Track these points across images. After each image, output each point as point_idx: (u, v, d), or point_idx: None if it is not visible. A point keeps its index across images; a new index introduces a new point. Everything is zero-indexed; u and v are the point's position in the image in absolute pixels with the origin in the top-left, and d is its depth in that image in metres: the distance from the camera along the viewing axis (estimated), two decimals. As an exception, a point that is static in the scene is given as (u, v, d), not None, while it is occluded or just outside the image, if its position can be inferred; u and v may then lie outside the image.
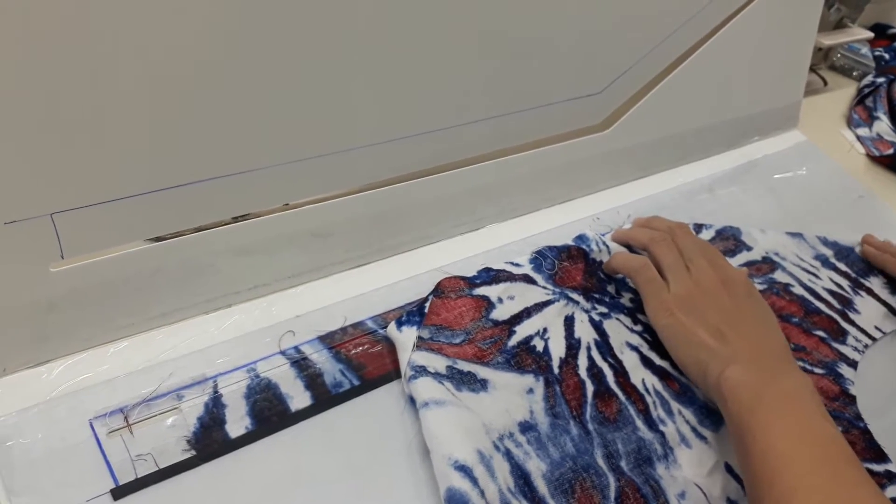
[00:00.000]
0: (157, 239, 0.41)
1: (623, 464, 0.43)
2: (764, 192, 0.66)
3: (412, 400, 0.42)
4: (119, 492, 0.35)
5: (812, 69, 0.83)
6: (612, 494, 0.42)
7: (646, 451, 0.44)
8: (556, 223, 0.57)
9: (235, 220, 0.44)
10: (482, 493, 0.38)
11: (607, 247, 0.55)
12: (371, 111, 0.46)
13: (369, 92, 0.45)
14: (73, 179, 0.36)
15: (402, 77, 0.46)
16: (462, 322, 0.47)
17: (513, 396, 0.44)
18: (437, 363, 0.44)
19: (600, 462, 0.43)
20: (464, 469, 0.39)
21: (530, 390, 0.45)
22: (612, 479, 0.42)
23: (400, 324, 0.46)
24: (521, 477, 0.41)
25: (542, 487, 0.41)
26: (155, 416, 0.38)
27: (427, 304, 0.47)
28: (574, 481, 0.41)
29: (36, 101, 0.34)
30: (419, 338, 0.45)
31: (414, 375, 0.43)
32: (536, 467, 0.41)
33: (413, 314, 0.46)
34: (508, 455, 0.41)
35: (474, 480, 0.38)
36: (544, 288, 0.51)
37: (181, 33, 0.36)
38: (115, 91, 0.36)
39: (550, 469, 0.41)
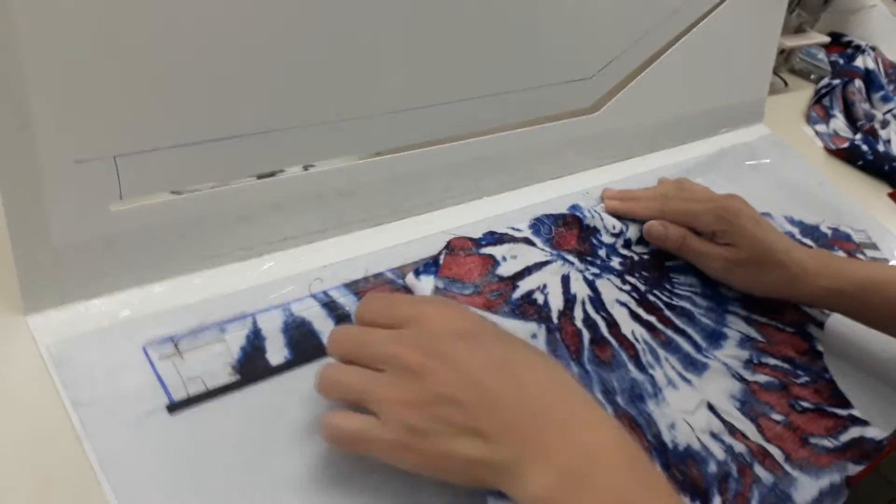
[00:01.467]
0: (202, 188, 0.45)
1: (619, 398, 0.48)
2: (736, 176, 0.72)
3: None
4: (174, 407, 0.39)
5: (774, 72, 0.90)
6: None
7: (638, 390, 0.49)
8: (550, 195, 0.62)
9: (271, 174, 0.47)
10: None
11: (600, 216, 0.60)
12: (391, 82, 0.50)
13: (391, 66, 0.49)
14: (137, 126, 0.40)
15: (419, 54, 0.51)
16: (471, 276, 0.52)
17: None
18: None
19: (599, 396, 0.47)
20: None
21: (534, 335, 0.50)
22: (610, 411, 0.47)
23: (417, 273, 0.50)
24: None
25: None
26: (202, 345, 0.42)
27: (441, 258, 0.51)
28: None
29: (111, 52, 0.38)
30: (435, 287, 0.50)
31: None
32: None
33: (429, 265, 0.51)
34: None
35: None
36: (543, 250, 0.56)
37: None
38: (181, 48, 0.40)
39: None
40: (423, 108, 0.53)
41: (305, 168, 0.49)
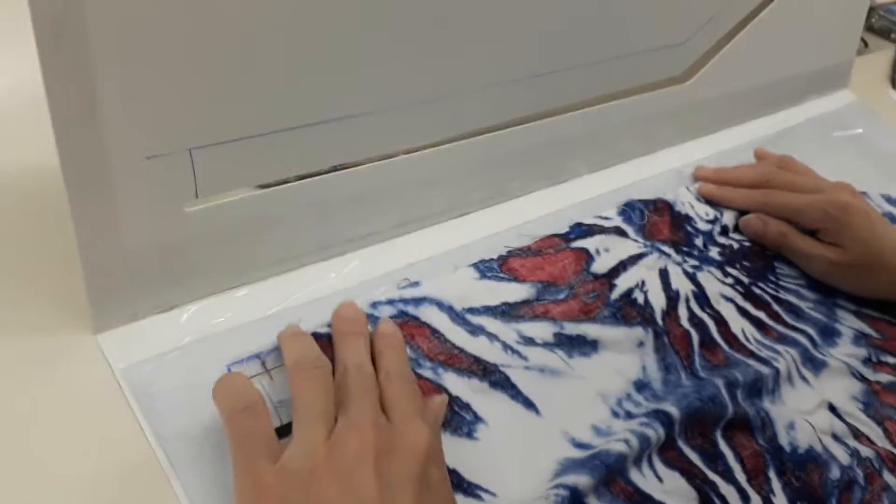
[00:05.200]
0: (282, 182, 0.40)
1: (739, 393, 0.44)
2: (824, 150, 0.67)
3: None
4: (267, 438, 0.35)
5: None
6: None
7: (759, 384, 0.45)
8: (639, 176, 0.57)
9: (349, 165, 0.43)
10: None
11: (690, 203, 0.56)
12: (469, 60, 0.45)
13: (470, 43, 0.44)
14: (212, 115, 0.35)
15: (495, 23, 0.45)
16: (566, 275, 0.47)
17: (623, 354, 0.45)
18: (545, 332, 0.44)
19: (723, 391, 0.43)
20: (581, 446, 0.40)
21: (641, 343, 0.45)
22: (730, 408, 0.43)
23: (481, 272, 0.46)
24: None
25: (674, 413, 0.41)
26: (292, 361, 0.37)
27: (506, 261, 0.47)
28: (699, 410, 0.42)
29: (184, 35, 0.33)
30: (525, 301, 0.45)
31: (524, 343, 0.43)
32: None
33: (492, 267, 0.47)
34: (629, 416, 0.42)
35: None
36: (636, 241, 0.52)
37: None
38: (257, 30, 0.35)
39: (678, 405, 0.42)
40: (500, 85, 0.48)
41: (384, 156, 0.44)
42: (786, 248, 0.54)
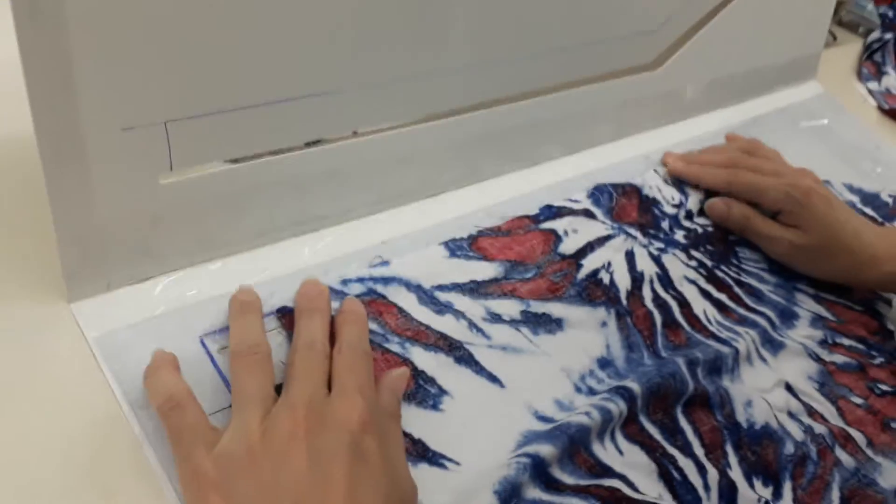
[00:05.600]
0: (257, 157, 0.40)
1: (699, 371, 0.45)
2: (791, 139, 0.69)
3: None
4: (238, 406, 0.35)
5: (823, 24, 0.85)
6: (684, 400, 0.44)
7: (719, 363, 0.46)
8: (609, 161, 0.58)
9: (325, 141, 0.43)
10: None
11: (657, 187, 0.57)
12: (443, 41, 0.46)
13: (443, 23, 0.45)
14: (189, 88, 0.36)
15: (472, 5, 0.46)
16: (534, 255, 0.49)
17: (588, 333, 0.46)
18: (512, 309, 0.45)
19: (684, 369, 0.44)
20: (544, 419, 0.41)
21: (604, 323, 0.47)
22: (691, 385, 0.44)
23: (451, 251, 0.47)
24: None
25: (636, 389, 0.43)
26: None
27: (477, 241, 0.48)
28: (660, 386, 0.43)
29: (160, 7, 0.33)
30: (493, 279, 0.46)
31: (490, 320, 0.44)
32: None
33: (462, 245, 0.48)
34: (591, 392, 0.43)
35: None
36: (604, 223, 0.53)
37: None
38: (229, 7, 0.35)
39: (639, 381, 0.43)
40: (475, 67, 0.49)
41: (359, 133, 0.45)
42: (749, 230, 0.56)
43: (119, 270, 0.38)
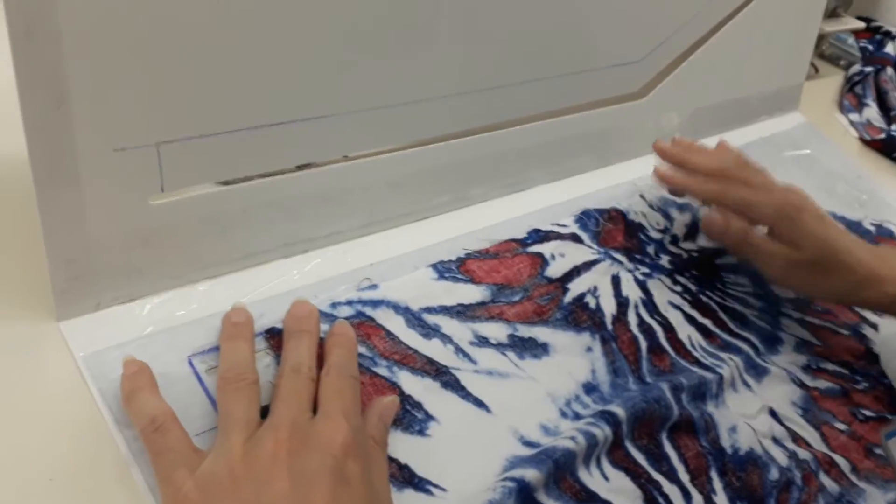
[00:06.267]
0: (248, 179, 0.41)
1: (684, 396, 0.45)
2: (775, 167, 0.69)
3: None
4: (225, 427, 0.35)
5: (805, 56, 0.87)
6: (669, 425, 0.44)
7: (703, 389, 0.47)
8: (595, 187, 0.59)
9: (315, 164, 0.44)
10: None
11: (642, 212, 0.58)
12: (434, 69, 0.47)
13: (435, 52, 0.46)
14: (181, 110, 0.36)
15: (462, 36, 0.47)
16: (521, 278, 0.49)
17: (574, 358, 0.46)
18: (499, 333, 0.46)
19: (668, 394, 0.45)
20: (529, 444, 0.41)
21: (589, 348, 0.47)
22: (676, 410, 0.44)
23: (440, 273, 0.47)
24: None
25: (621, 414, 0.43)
26: (252, 355, 0.38)
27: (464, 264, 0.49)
28: (645, 411, 0.43)
29: (154, 31, 0.34)
30: (480, 302, 0.46)
31: (477, 343, 0.44)
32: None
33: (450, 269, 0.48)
34: (577, 417, 0.43)
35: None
36: (590, 248, 0.53)
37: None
38: (227, 28, 0.36)
39: (624, 406, 0.43)
40: (464, 94, 0.50)
41: (349, 157, 0.45)
42: (746, 245, 0.53)
43: (108, 290, 0.38)
